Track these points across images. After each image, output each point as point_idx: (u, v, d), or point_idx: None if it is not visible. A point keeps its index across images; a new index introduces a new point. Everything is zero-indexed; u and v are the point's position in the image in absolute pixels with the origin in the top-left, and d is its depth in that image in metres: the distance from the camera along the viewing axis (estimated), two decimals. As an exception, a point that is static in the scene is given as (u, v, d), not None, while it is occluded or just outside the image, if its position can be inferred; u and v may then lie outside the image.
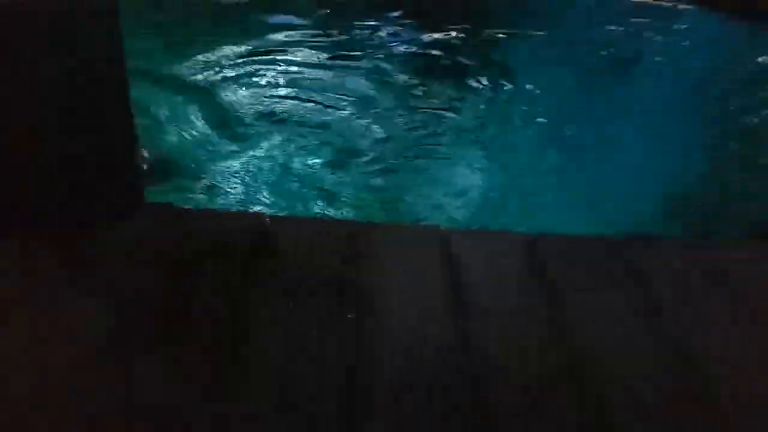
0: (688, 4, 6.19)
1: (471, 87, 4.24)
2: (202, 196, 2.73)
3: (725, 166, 3.81)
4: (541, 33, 5.31)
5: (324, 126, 3.59)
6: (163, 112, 3.47)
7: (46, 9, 1.47)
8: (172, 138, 3.28)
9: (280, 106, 3.76)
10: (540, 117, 3.97)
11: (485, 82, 4.31)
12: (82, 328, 1.35)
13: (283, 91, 3.97)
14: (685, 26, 5.83)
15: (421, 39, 5.03)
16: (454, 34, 5.07)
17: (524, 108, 4.04)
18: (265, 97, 3.86)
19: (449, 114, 3.88)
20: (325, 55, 4.54)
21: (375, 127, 3.64)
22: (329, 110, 3.79)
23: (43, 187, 1.63)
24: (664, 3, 6.23)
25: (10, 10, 1.43)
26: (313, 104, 3.84)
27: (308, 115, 3.69)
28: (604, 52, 5.03)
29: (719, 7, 6.07)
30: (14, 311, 1.39)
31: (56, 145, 1.60)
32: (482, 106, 4.04)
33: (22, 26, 1.46)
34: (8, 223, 1.61)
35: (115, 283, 1.50)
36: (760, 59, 5.41)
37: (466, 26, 5.25)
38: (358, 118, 3.74)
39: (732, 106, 4.55)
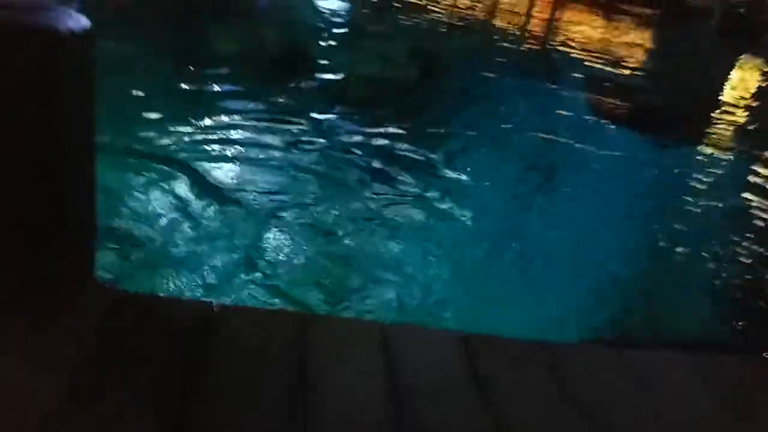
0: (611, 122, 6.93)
1: (404, 181, 4.50)
2: (149, 277, 2.75)
3: (645, 272, 4.14)
4: (475, 133, 5.77)
5: (271, 212, 3.71)
6: (113, 188, 3.51)
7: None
8: (121, 216, 3.31)
9: (230, 187, 3.89)
10: (470, 216, 4.24)
11: (420, 176, 4.60)
12: (27, 401, 1.36)
13: (232, 173, 4.11)
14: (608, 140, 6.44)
15: (364, 131, 5.36)
16: (392, 129, 5.43)
17: (456, 206, 4.30)
18: (215, 179, 3.98)
19: (387, 204, 4.10)
20: (276, 140, 4.77)
21: (319, 213, 3.79)
22: (276, 195, 3.93)
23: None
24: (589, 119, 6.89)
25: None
26: (262, 187, 3.98)
27: (256, 198, 3.81)
28: (534, 157, 5.48)
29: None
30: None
31: (13, 209, 1.59)
32: (417, 200, 4.28)
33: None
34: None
35: (59, 362, 1.52)
36: (675, 170, 6.00)
37: (406, 123, 5.66)
38: (301, 204, 3.89)
39: (652, 214, 4.98)
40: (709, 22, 21.24)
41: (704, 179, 5.87)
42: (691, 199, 5.28)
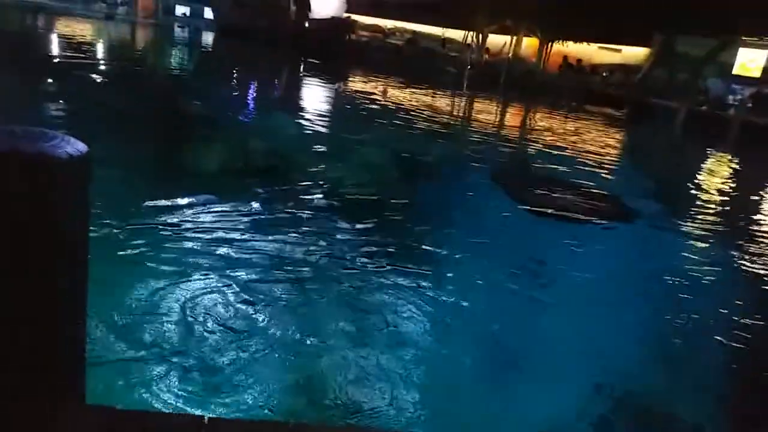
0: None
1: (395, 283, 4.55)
2: (138, 394, 2.71)
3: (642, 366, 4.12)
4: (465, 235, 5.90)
5: (257, 322, 3.71)
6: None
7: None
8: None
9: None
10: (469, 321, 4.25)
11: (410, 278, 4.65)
12: None
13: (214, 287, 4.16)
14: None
15: (351, 228, 5.50)
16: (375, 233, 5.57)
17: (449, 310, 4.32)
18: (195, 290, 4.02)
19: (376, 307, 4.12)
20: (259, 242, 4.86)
21: (307, 317, 3.80)
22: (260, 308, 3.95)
23: None
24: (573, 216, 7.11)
25: None
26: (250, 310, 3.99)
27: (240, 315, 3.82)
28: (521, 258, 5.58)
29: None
30: None
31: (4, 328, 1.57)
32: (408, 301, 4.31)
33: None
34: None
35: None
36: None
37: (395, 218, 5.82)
38: (286, 309, 3.90)
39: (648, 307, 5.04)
40: (675, 121, 22.45)
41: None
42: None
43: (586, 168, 10.67)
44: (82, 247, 1.75)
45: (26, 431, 1.62)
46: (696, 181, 11.58)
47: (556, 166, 10.23)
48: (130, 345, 3.19)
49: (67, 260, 1.68)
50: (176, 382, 2.88)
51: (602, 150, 13.68)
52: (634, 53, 30.92)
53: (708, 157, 15.97)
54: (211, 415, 1.90)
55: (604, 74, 30.14)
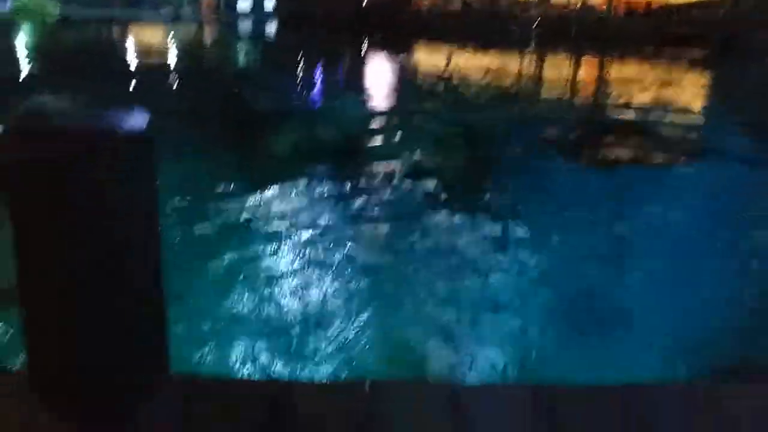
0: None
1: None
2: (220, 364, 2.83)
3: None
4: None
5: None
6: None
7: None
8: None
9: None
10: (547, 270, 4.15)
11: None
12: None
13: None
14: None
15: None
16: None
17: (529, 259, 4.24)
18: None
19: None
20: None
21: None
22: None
23: (75, 354, 1.70)
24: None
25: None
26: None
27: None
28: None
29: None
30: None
31: (92, 310, 1.66)
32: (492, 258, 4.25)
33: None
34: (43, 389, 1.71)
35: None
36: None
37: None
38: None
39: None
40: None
41: None
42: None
43: (666, 116, 10.07)
44: (155, 220, 1.82)
45: (113, 401, 1.72)
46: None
47: (631, 117, 9.72)
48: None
49: (142, 232, 1.75)
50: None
51: (682, 95, 12.87)
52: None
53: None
54: (287, 380, 1.96)
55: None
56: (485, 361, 3.06)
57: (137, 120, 1.66)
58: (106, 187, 1.59)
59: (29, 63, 16.48)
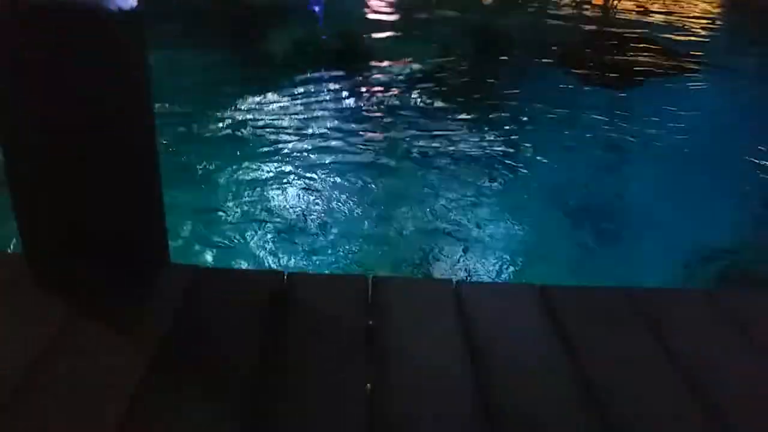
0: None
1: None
2: (221, 254, 2.82)
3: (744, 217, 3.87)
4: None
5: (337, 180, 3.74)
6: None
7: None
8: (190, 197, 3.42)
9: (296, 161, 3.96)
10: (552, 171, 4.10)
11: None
12: (115, 377, 1.41)
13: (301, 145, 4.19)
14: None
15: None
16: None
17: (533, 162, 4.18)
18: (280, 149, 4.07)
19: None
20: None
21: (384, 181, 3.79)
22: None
23: (69, 241, 1.68)
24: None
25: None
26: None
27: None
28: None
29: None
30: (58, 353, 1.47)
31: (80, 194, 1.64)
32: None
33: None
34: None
35: (144, 338, 1.56)
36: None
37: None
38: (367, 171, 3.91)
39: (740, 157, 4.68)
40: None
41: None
42: None
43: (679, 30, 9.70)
44: (146, 97, 1.74)
45: (114, 292, 1.69)
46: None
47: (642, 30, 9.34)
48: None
49: (132, 111, 1.67)
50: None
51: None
52: None
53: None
54: (290, 271, 1.94)
55: None
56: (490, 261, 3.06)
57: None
58: (98, 64, 1.54)
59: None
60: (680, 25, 10.26)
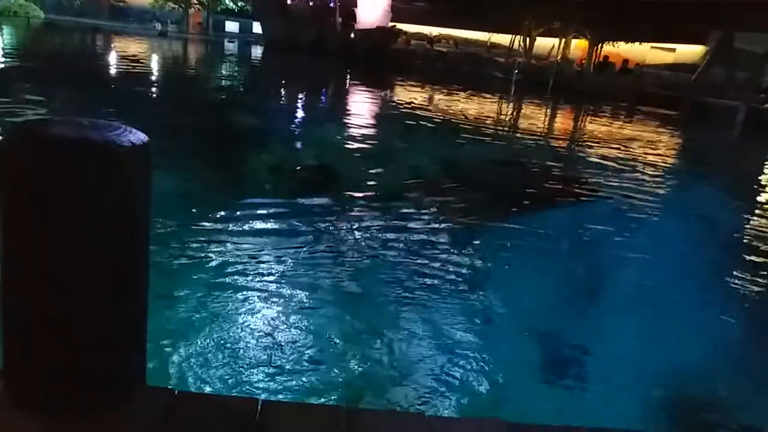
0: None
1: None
2: (198, 379, 2.79)
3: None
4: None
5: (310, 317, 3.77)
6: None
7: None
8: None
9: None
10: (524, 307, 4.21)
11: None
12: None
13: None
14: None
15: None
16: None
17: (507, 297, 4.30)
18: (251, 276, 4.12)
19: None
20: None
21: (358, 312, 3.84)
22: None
23: (52, 364, 1.66)
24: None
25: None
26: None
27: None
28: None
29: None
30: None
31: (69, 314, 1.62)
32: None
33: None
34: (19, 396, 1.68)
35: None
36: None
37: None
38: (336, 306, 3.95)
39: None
40: (734, 120, 21.69)
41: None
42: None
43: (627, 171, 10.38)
44: (145, 231, 1.81)
45: (88, 413, 1.69)
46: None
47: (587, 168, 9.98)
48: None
49: (130, 244, 1.74)
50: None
51: (653, 152, 13.30)
52: (688, 52, 30.03)
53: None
54: (266, 398, 1.95)
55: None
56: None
57: (139, 133, 1.69)
58: (106, 198, 1.60)
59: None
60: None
